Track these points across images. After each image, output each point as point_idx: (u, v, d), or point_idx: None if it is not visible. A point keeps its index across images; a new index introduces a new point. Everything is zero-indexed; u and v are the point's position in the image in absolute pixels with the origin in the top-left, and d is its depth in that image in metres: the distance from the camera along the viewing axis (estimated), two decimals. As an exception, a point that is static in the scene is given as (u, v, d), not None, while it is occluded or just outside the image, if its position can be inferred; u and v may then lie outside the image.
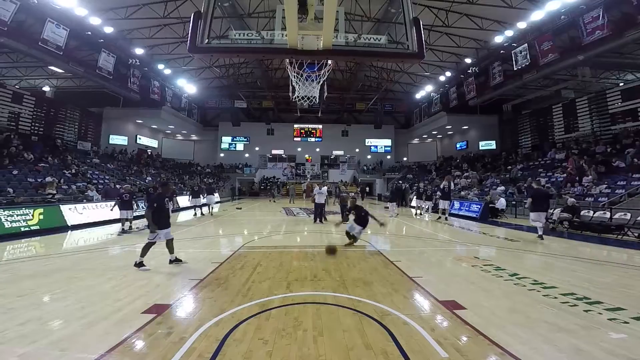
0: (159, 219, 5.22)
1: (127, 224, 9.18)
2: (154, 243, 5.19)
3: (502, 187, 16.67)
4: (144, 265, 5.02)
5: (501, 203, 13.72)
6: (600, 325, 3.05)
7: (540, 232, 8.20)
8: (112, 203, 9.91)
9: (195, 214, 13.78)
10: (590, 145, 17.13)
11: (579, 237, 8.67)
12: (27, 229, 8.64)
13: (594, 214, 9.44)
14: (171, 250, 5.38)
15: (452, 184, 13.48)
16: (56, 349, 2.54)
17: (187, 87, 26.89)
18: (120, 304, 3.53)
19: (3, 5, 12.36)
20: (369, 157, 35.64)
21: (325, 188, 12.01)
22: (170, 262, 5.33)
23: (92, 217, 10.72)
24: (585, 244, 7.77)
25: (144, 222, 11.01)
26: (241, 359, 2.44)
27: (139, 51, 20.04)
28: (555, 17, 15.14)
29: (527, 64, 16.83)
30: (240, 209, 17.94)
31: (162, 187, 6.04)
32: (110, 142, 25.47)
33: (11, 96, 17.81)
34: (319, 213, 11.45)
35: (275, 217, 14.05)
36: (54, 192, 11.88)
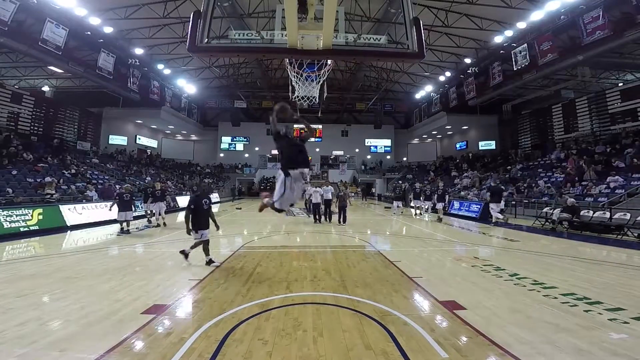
0: (197, 220, 5.27)
1: (126, 224, 8.91)
2: (205, 241, 5.31)
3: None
4: (213, 262, 5.27)
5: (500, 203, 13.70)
6: (601, 325, 3.05)
7: (494, 220, 11.32)
8: (110, 202, 9.61)
9: None
10: (591, 145, 17.08)
11: (579, 237, 8.67)
12: (26, 229, 8.63)
13: (593, 214, 9.44)
14: (207, 252, 5.33)
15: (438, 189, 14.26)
16: (55, 349, 2.53)
17: (187, 87, 26.87)
18: (119, 304, 3.52)
19: (3, 5, 12.34)
20: (368, 157, 35.65)
21: (326, 188, 11.83)
22: (207, 263, 5.28)
23: (91, 217, 10.71)
24: (585, 244, 7.77)
25: (143, 222, 11.02)
26: (241, 359, 2.44)
27: (138, 51, 20.02)
28: (555, 17, 15.15)
29: (527, 64, 16.84)
30: (240, 209, 17.92)
31: (198, 188, 5.99)
32: (110, 142, 25.45)
33: (10, 96, 17.75)
34: (316, 212, 11.50)
35: (275, 217, 14.02)
36: (53, 192, 11.84)
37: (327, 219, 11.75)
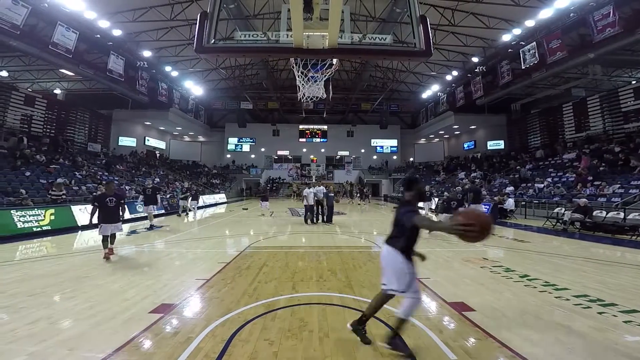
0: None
1: (108, 242, 6.11)
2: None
3: (511, 188, 16.44)
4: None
5: (510, 204, 13.53)
6: (615, 327, 2.96)
7: None
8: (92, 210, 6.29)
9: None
10: (605, 144, 16.56)
11: (591, 238, 8.48)
12: (39, 229, 8.80)
13: (606, 214, 9.23)
14: None
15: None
16: (65, 347, 2.57)
17: (194, 88, 27.15)
18: (128, 303, 3.56)
19: (15, 9, 12.64)
20: (374, 157, 35.51)
21: (317, 189, 11.44)
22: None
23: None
24: (597, 245, 7.60)
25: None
26: (247, 359, 2.43)
27: (146, 53, 20.30)
28: (564, 14, 14.88)
29: (536, 62, 16.55)
30: (247, 209, 18.02)
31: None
32: (120, 143, 25.83)
33: (24, 99, 18.16)
34: (309, 213, 11.22)
35: (280, 218, 14.05)
36: (60, 193, 11.86)
37: (323, 219, 11.56)
